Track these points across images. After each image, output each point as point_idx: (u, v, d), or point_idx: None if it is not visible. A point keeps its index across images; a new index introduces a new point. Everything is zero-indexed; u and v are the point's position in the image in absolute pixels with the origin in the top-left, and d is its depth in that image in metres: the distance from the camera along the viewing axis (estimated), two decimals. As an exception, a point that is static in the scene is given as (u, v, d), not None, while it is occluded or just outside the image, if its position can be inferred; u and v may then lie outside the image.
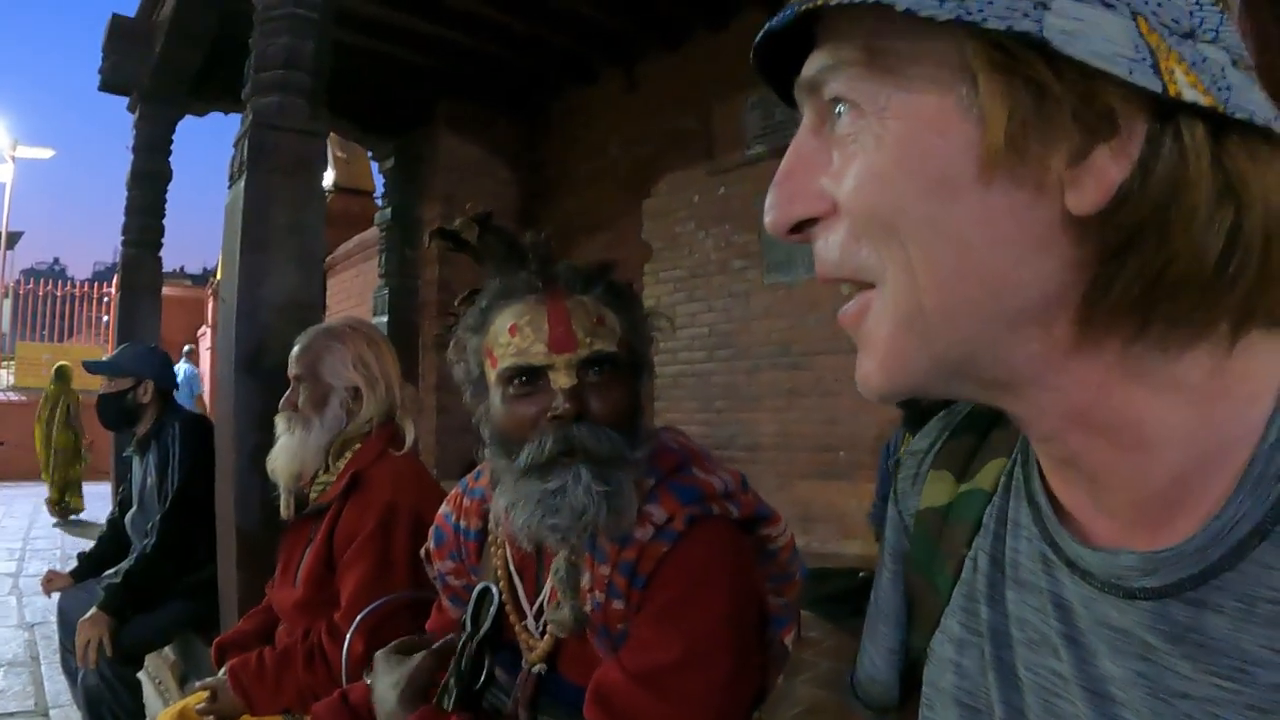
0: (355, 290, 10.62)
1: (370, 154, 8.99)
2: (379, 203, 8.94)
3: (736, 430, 6.62)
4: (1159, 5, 0.45)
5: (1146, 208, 0.45)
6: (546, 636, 1.35)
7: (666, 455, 1.33)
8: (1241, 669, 0.48)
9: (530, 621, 1.39)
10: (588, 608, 1.28)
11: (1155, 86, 0.44)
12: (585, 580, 1.28)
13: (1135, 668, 0.53)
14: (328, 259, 10.95)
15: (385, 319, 7.78)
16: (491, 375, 1.33)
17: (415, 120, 7.96)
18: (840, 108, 0.53)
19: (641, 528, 1.24)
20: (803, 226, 0.55)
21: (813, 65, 0.54)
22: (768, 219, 0.56)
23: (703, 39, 6.80)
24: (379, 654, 1.51)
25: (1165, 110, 0.45)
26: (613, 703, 1.19)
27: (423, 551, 1.63)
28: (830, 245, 0.54)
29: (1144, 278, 0.46)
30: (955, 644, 0.68)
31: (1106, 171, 0.45)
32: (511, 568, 1.42)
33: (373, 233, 9.05)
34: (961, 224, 0.48)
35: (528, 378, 1.28)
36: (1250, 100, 0.46)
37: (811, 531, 5.87)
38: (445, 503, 1.59)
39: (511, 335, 1.28)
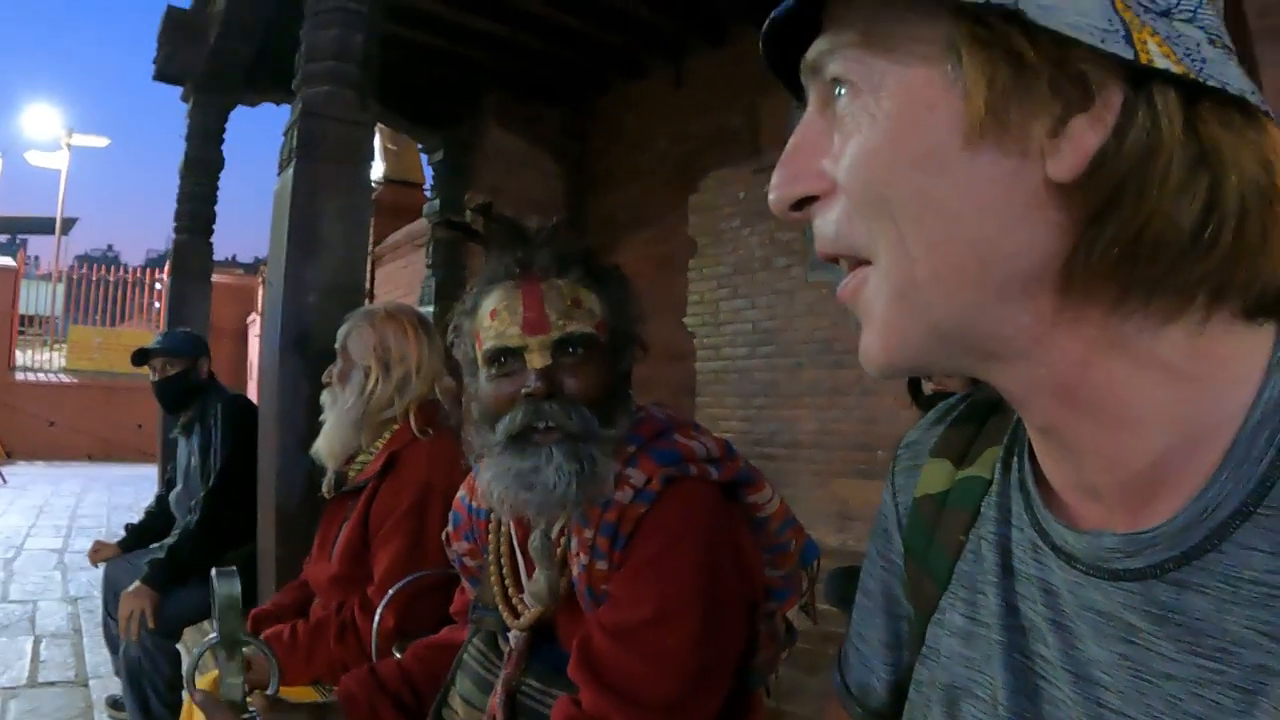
0: (404, 280, 10.68)
1: (419, 146, 9.05)
2: (428, 194, 9.00)
3: (777, 427, 6.60)
4: None
5: (1121, 170, 0.47)
6: (536, 608, 1.40)
7: (650, 423, 1.39)
8: (1225, 649, 0.49)
9: (528, 595, 1.44)
10: (575, 570, 1.33)
11: (1127, 54, 0.46)
12: (572, 545, 1.34)
13: (1119, 650, 0.54)
14: (376, 249, 11.04)
15: (432, 308, 7.83)
16: (478, 356, 1.39)
17: (463, 113, 7.99)
18: (840, 89, 0.55)
19: (621, 490, 1.29)
20: (803, 205, 0.58)
21: (815, 48, 0.57)
22: (771, 197, 0.58)
23: (748, 36, 6.74)
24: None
25: (1139, 78, 0.47)
26: (592, 659, 1.25)
27: (443, 535, 1.68)
28: (828, 222, 0.57)
29: (1122, 240, 0.48)
30: (960, 636, 0.68)
31: (1083, 138, 0.47)
32: (515, 541, 1.48)
33: (421, 224, 9.11)
34: (950, 194, 0.51)
35: (506, 359, 1.35)
36: (1225, 73, 0.48)
37: (849, 530, 5.85)
38: (462, 486, 1.64)
39: (492, 319, 1.36)
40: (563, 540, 1.38)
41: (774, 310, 6.69)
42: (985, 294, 0.52)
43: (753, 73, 6.48)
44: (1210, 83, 0.46)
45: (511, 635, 1.44)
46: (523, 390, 1.32)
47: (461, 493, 1.62)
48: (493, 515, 1.52)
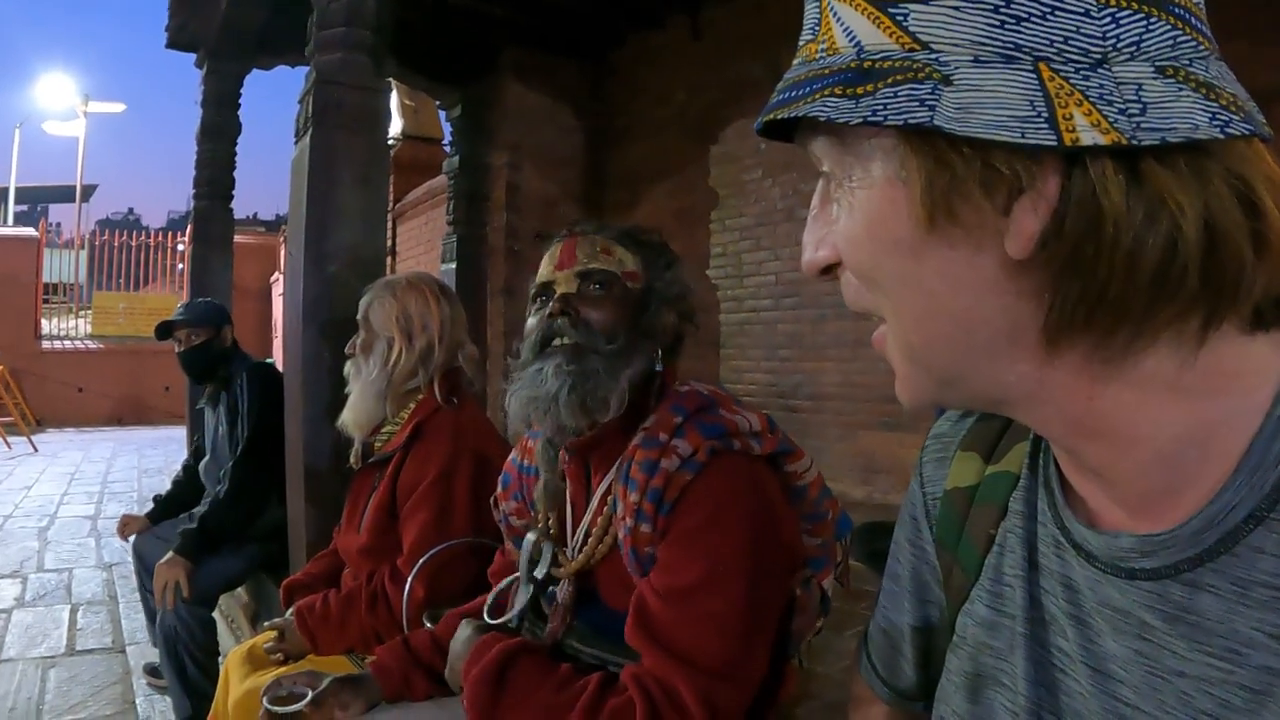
0: (425, 237, 10.65)
1: (437, 103, 9.00)
2: (447, 149, 8.95)
3: (801, 380, 6.59)
4: (1064, 42, 0.47)
5: (1069, 245, 0.48)
6: (579, 557, 1.48)
7: (694, 397, 1.45)
8: (1234, 649, 0.51)
9: (569, 550, 1.53)
10: (620, 533, 1.40)
11: (1051, 141, 0.46)
12: (618, 508, 1.40)
13: (1135, 646, 0.57)
14: (397, 207, 11.02)
15: (453, 266, 7.80)
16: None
17: (481, 69, 7.92)
18: (823, 168, 0.59)
19: (668, 459, 1.35)
20: (831, 267, 0.61)
21: (800, 139, 0.60)
22: (802, 260, 0.63)
23: (766, -16, 6.67)
24: (464, 621, 1.62)
25: (1072, 155, 0.47)
26: (649, 623, 1.31)
27: (492, 498, 1.75)
28: (846, 286, 0.61)
29: (1088, 299, 0.49)
30: (985, 626, 0.71)
31: (1025, 222, 0.49)
32: (567, 497, 1.55)
33: (441, 180, 9.06)
34: (924, 276, 0.54)
35: (544, 295, 1.54)
36: (1168, 116, 0.47)
37: (873, 483, 5.86)
38: (515, 448, 1.72)
39: (539, 269, 1.57)
40: (609, 498, 1.45)
41: (797, 262, 6.56)
42: (975, 354, 0.55)
43: (772, 21, 6.42)
44: (1146, 142, 0.46)
45: (556, 588, 1.52)
46: (546, 314, 1.49)
47: (514, 454, 1.71)
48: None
